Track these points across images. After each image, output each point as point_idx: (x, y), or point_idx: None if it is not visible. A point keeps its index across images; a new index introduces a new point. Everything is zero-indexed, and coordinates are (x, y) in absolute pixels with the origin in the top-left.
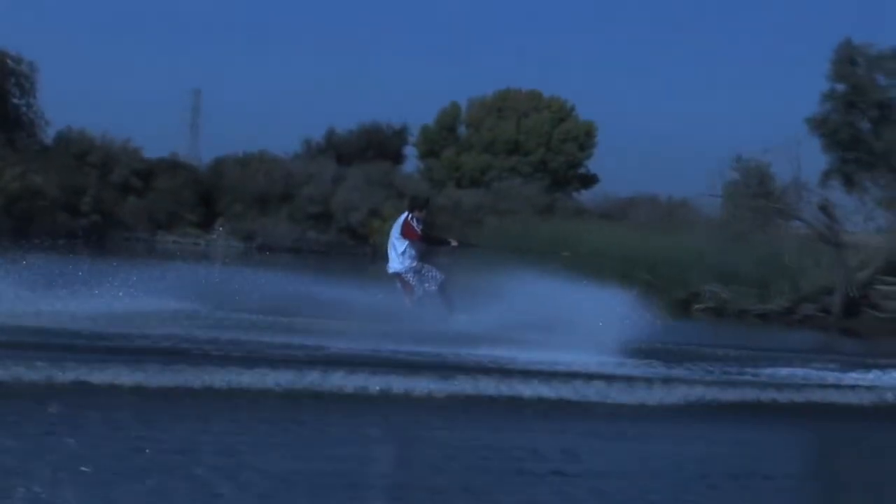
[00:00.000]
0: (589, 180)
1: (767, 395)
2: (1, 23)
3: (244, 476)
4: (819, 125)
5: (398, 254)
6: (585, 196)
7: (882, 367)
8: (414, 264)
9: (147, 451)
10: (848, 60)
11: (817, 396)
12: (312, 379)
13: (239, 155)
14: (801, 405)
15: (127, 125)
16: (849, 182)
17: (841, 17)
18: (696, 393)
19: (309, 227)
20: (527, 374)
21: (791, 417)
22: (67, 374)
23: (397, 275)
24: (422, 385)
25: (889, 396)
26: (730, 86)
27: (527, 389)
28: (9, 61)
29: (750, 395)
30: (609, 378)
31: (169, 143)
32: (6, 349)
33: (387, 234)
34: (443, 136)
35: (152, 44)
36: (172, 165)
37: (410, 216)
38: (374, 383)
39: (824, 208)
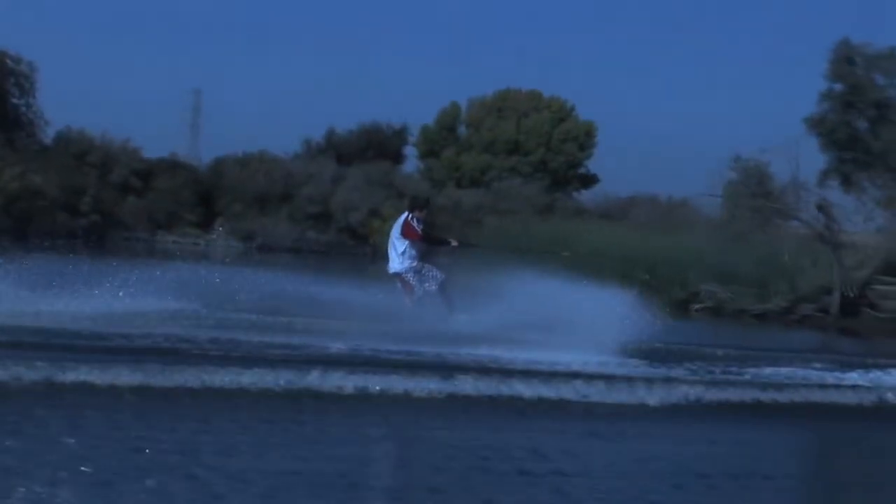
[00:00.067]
0: (589, 180)
1: (767, 396)
2: (1, 23)
3: (244, 476)
4: (817, 125)
5: (398, 254)
6: (585, 196)
7: (882, 367)
8: (414, 264)
9: (147, 451)
10: (846, 60)
11: (817, 396)
12: (312, 379)
13: (239, 155)
14: (801, 405)
15: (127, 125)
16: (847, 182)
17: (841, 17)
18: (696, 393)
19: (309, 227)
20: (527, 374)
21: (791, 417)
22: (67, 374)
23: (397, 275)
24: (422, 385)
25: (889, 396)
26: (730, 86)
27: (527, 389)
28: (8, 61)
29: (750, 395)
30: (609, 378)
31: (169, 143)
32: (6, 349)
33: (387, 234)
34: (443, 136)
35: (152, 44)
36: (172, 165)
37: (411, 216)
38: (374, 383)
39: (822, 208)
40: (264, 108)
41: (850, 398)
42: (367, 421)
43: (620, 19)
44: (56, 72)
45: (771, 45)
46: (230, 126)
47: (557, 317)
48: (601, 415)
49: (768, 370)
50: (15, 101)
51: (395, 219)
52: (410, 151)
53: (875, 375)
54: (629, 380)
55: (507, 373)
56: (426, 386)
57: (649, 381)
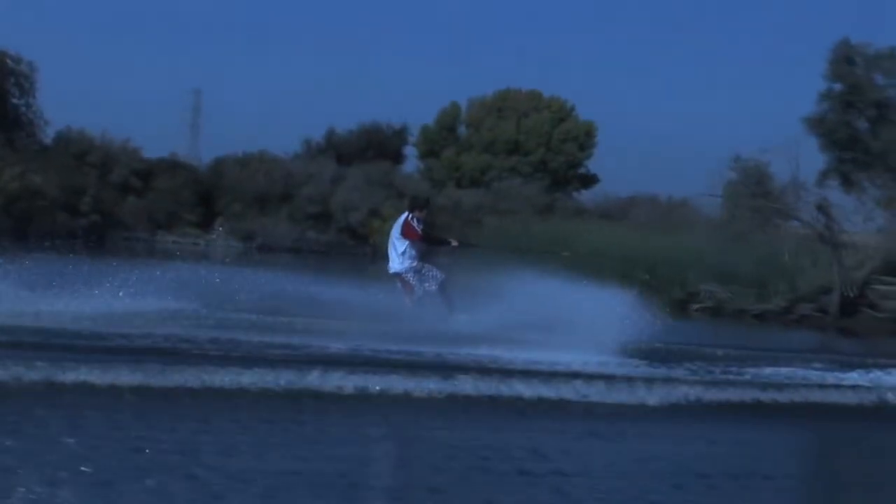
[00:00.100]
0: (589, 180)
1: (767, 396)
2: (1, 23)
3: (244, 476)
4: (816, 125)
5: (398, 254)
6: (585, 196)
7: (882, 367)
8: (414, 264)
9: (147, 451)
10: (845, 60)
11: (817, 396)
12: (312, 379)
13: (239, 155)
14: (801, 405)
15: (127, 125)
16: (846, 182)
17: (841, 16)
18: (696, 393)
19: (309, 227)
20: (527, 373)
21: (791, 417)
22: (67, 374)
23: (398, 275)
24: (422, 385)
25: (889, 396)
26: (730, 86)
27: (527, 389)
28: (8, 61)
29: (750, 395)
30: (609, 378)
31: (169, 143)
32: (6, 349)
33: (387, 234)
34: (443, 136)
35: (152, 44)
36: (172, 165)
37: (411, 216)
38: (375, 383)
39: (821, 208)
40: (264, 108)
41: (850, 398)
42: (367, 421)
43: (620, 19)
44: (56, 72)
45: (771, 45)
46: (230, 126)
47: (557, 317)
48: (601, 415)
49: (768, 370)
50: (15, 101)
51: (395, 219)
52: (410, 151)
53: (875, 375)
54: (629, 380)
55: (506, 373)
56: (426, 386)
57: (649, 381)
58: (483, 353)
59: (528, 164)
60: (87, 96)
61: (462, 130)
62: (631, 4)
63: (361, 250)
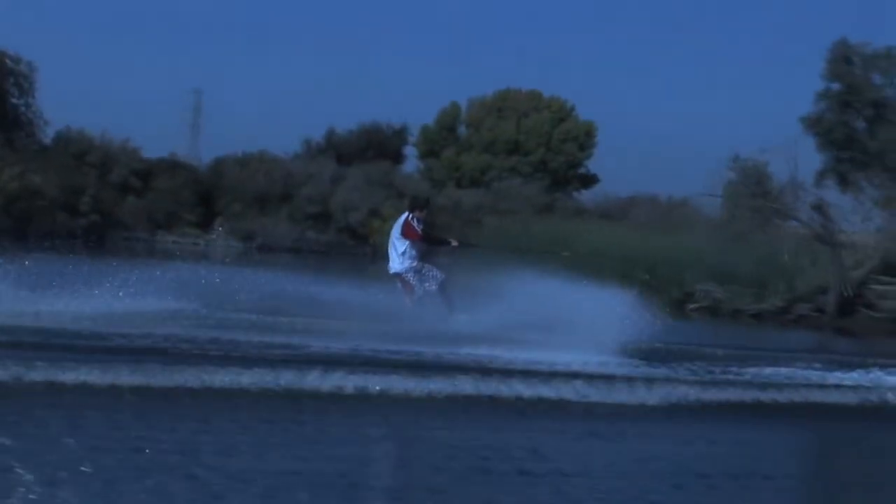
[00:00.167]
0: (589, 180)
1: (768, 396)
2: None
3: (244, 476)
4: (814, 124)
5: (399, 254)
6: (586, 196)
7: (882, 367)
8: (414, 264)
9: (147, 450)
10: (843, 59)
11: (817, 397)
12: (312, 379)
13: (238, 155)
14: (800, 405)
15: (127, 125)
16: (844, 181)
17: (841, 16)
18: (696, 393)
19: (308, 227)
20: (527, 374)
21: (791, 418)
22: (67, 374)
23: (398, 275)
24: (422, 385)
25: (889, 396)
26: (730, 86)
27: (527, 389)
28: (7, 61)
29: (750, 395)
30: (609, 378)
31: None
32: (6, 349)
33: (387, 234)
34: (443, 136)
35: (152, 44)
36: (172, 165)
37: (411, 216)
38: (375, 383)
39: (819, 208)
40: (264, 108)
41: (850, 398)
42: (368, 421)
43: (620, 19)
44: (56, 72)
45: (771, 45)
46: (230, 126)
47: (557, 317)
48: (601, 415)
49: (768, 370)
50: (14, 100)
51: (394, 219)
52: (410, 151)
53: (875, 376)
54: (629, 380)
55: (507, 373)
56: (426, 386)
57: (649, 381)
58: (483, 353)
59: (528, 164)
60: (87, 96)
61: (462, 130)
62: (631, 4)
63: (361, 250)
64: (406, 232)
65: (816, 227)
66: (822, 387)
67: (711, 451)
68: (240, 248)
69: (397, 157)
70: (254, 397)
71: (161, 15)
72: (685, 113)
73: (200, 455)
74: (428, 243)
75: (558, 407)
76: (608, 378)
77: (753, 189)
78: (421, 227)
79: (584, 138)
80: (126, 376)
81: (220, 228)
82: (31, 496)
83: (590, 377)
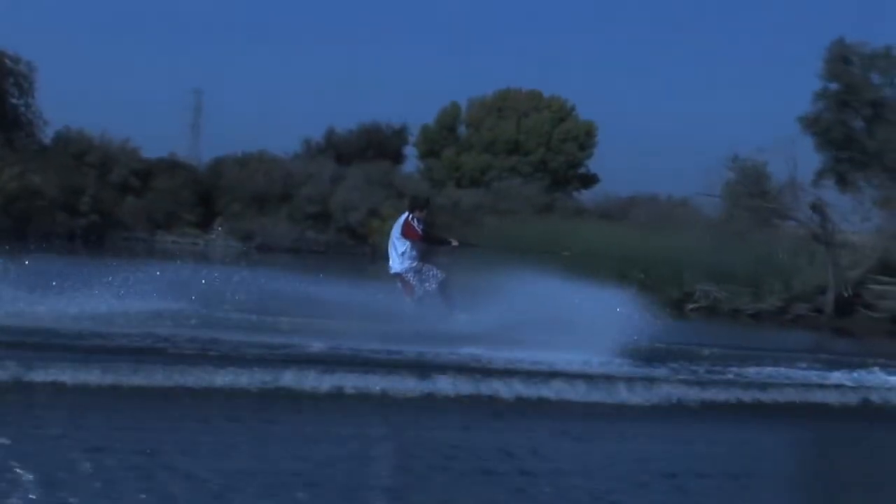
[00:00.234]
0: (589, 180)
1: (768, 396)
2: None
3: (243, 476)
4: (812, 124)
5: (399, 254)
6: (586, 196)
7: (882, 367)
8: (414, 264)
9: (147, 451)
10: (841, 59)
11: (817, 397)
12: (312, 379)
13: (238, 155)
14: (800, 405)
15: (127, 125)
16: (842, 181)
17: (841, 16)
18: (696, 393)
19: (308, 227)
20: (527, 374)
21: (791, 418)
22: (67, 374)
23: (398, 275)
24: (422, 385)
25: (890, 396)
26: (730, 86)
27: (527, 389)
28: (7, 61)
29: (750, 395)
30: (610, 378)
31: (169, 143)
32: (6, 349)
33: (386, 234)
34: (443, 136)
35: (152, 44)
36: (171, 165)
37: (411, 216)
38: (375, 383)
39: (817, 207)
40: (264, 108)
41: (850, 398)
42: (368, 421)
43: (620, 19)
44: (56, 72)
45: (772, 44)
46: (230, 126)
47: (558, 317)
48: (601, 415)
49: (768, 370)
50: (14, 100)
51: (394, 219)
52: (410, 151)
53: (875, 375)
54: (629, 380)
55: (507, 373)
56: (427, 386)
57: (649, 380)
58: (483, 353)
59: (528, 163)
60: (86, 96)
61: (462, 130)
62: (631, 4)
63: (361, 250)
64: (406, 232)
65: (815, 226)
66: (821, 387)
67: (711, 451)
68: (239, 248)
69: (397, 157)
70: (254, 397)
71: (161, 15)
72: (685, 113)
73: (200, 455)
74: (428, 243)
75: (559, 407)
76: (609, 378)
77: (752, 189)
78: (421, 227)
79: (584, 138)
80: (126, 376)
81: (220, 228)
82: (31, 496)
83: (590, 377)
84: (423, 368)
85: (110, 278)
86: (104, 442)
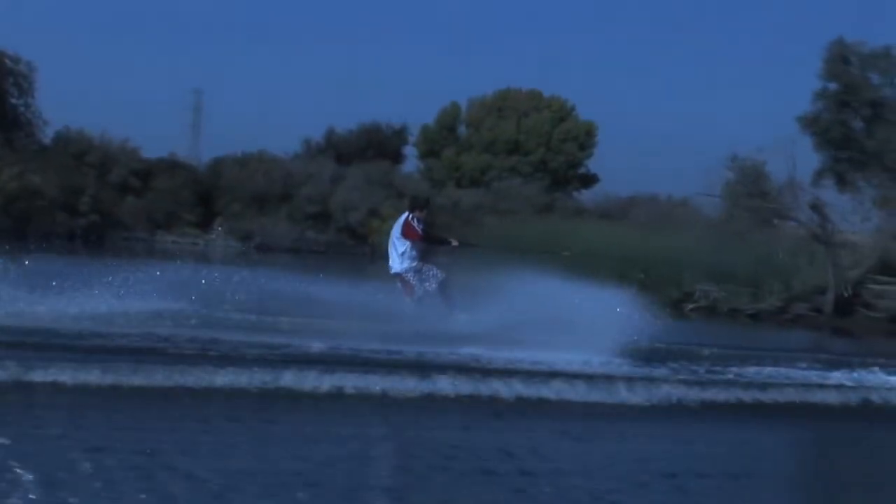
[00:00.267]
0: (589, 180)
1: (768, 396)
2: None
3: (244, 476)
4: (811, 124)
5: (399, 254)
6: (586, 196)
7: (883, 367)
8: (414, 264)
9: (147, 451)
10: (840, 59)
11: (817, 396)
12: (312, 379)
13: (238, 155)
14: (800, 405)
15: (127, 125)
16: (841, 181)
17: (842, 16)
18: (696, 393)
19: (308, 227)
20: (528, 374)
21: (791, 417)
22: (67, 374)
23: (398, 275)
24: (422, 385)
25: (890, 396)
26: (730, 85)
27: (527, 389)
28: (7, 61)
29: (750, 395)
30: (610, 378)
31: (169, 143)
32: (6, 349)
33: (386, 234)
34: (443, 135)
35: (152, 44)
36: (171, 165)
37: (411, 216)
38: (374, 383)
39: (816, 207)
40: (264, 108)
41: (852, 398)
42: (368, 421)
43: (620, 19)
44: (56, 72)
45: (772, 44)
46: (230, 126)
47: (558, 317)
48: (602, 415)
49: (768, 370)
50: (13, 100)
51: (394, 219)
52: (410, 151)
53: (875, 375)
54: (629, 380)
55: (507, 373)
56: (427, 386)
57: (650, 381)
58: (483, 353)
59: (528, 163)
60: (86, 96)
61: (462, 130)
62: (631, 4)
63: (360, 250)
64: (406, 232)
65: (814, 226)
66: (822, 387)
67: (711, 451)
68: (239, 248)
69: (397, 157)
70: (254, 397)
71: (161, 15)
72: (685, 113)
73: (200, 455)
74: (428, 243)
75: (559, 407)
76: (609, 378)
77: (751, 189)
78: (421, 227)
79: (585, 138)
80: (126, 376)
81: (220, 228)
82: (31, 496)
83: (590, 377)
84: (422, 368)
85: (110, 278)
86: (104, 442)
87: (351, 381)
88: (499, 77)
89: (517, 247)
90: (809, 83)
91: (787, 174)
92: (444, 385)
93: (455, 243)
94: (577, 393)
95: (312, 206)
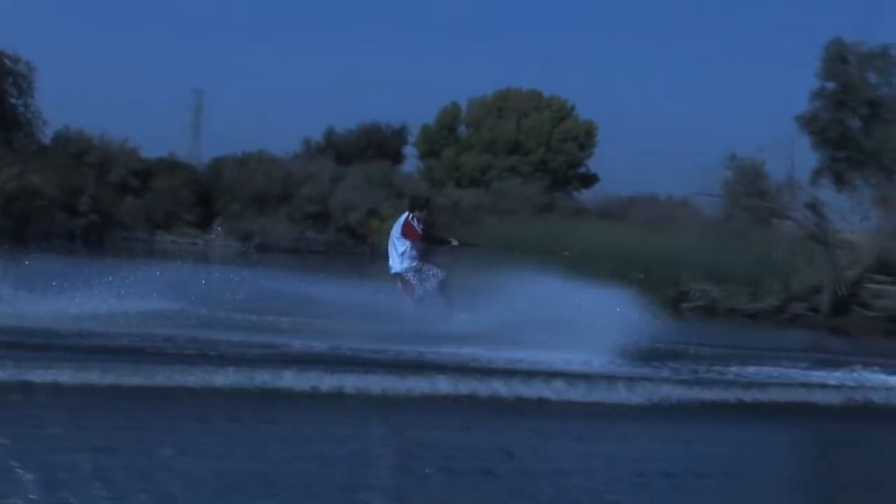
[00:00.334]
0: (589, 180)
1: (767, 396)
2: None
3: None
4: (808, 123)
5: (399, 254)
6: (586, 196)
7: (883, 367)
8: (414, 264)
9: (147, 451)
10: (838, 58)
11: (817, 397)
12: (312, 379)
13: (237, 155)
14: (801, 405)
15: (127, 125)
16: (839, 180)
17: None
18: (697, 393)
19: (307, 227)
20: (528, 374)
21: (791, 417)
22: (67, 374)
23: (398, 275)
24: (422, 385)
25: (890, 396)
26: (730, 85)
27: (527, 390)
28: (6, 61)
29: (750, 395)
30: (610, 378)
31: (169, 143)
32: (6, 349)
33: (386, 234)
34: (443, 135)
35: (152, 44)
36: (171, 165)
37: (411, 216)
38: (375, 383)
39: (813, 206)
40: (264, 108)
41: (854, 398)
42: (368, 421)
43: (620, 19)
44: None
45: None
46: (230, 126)
47: (558, 317)
48: (602, 415)
49: (768, 369)
50: (13, 100)
51: (394, 219)
52: (410, 151)
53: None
54: (629, 380)
55: (508, 373)
56: (427, 386)
57: (650, 381)
58: (483, 353)
59: (528, 163)
60: (86, 96)
61: (462, 130)
62: (631, 4)
63: (360, 250)
64: (406, 232)
65: (811, 226)
66: (822, 387)
67: (711, 451)
68: (238, 248)
69: (397, 157)
70: (254, 397)
71: (161, 15)
72: (685, 113)
73: (200, 455)
74: (428, 243)
75: (559, 407)
76: (609, 378)
77: (750, 188)
78: (421, 226)
79: (585, 138)
80: (126, 376)
81: (219, 228)
82: (31, 496)
83: (590, 377)
84: (422, 368)
85: (110, 278)
86: (104, 442)
87: (351, 381)
88: (499, 77)
89: (517, 247)
90: (809, 83)
91: (786, 174)
92: (444, 385)
93: (455, 243)
94: (578, 393)
95: (312, 206)
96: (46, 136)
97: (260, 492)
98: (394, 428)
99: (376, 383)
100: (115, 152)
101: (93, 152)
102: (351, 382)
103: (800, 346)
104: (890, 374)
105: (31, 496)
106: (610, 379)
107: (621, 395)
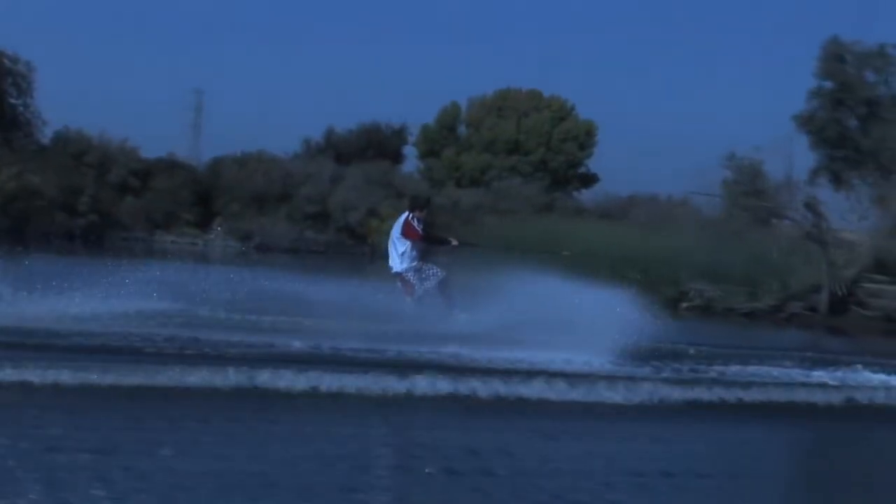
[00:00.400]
0: (589, 180)
1: (767, 396)
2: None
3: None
4: (806, 122)
5: (399, 254)
6: (586, 195)
7: (884, 367)
8: (415, 264)
9: (147, 451)
10: (836, 58)
11: (817, 397)
12: (312, 379)
13: (237, 155)
14: (801, 405)
15: (127, 125)
16: (837, 180)
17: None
18: (697, 393)
19: (307, 227)
20: (528, 374)
21: (791, 417)
22: (67, 374)
23: (398, 275)
24: (422, 385)
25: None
26: (730, 85)
27: (528, 390)
28: (6, 61)
29: (750, 395)
30: (610, 378)
31: (169, 143)
32: (6, 349)
33: (386, 234)
34: (443, 135)
35: (152, 44)
36: (170, 165)
37: (411, 216)
38: (374, 383)
39: (810, 206)
40: (264, 108)
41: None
42: (370, 421)
43: (620, 19)
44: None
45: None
46: (230, 126)
47: (558, 317)
48: (602, 415)
49: (767, 369)
50: (13, 100)
51: (394, 219)
52: (410, 151)
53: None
54: (629, 380)
55: (508, 373)
56: (427, 386)
57: (650, 380)
58: (482, 352)
59: (528, 163)
60: (86, 96)
61: (462, 130)
62: (631, 4)
63: (360, 250)
64: (406, 232)
65: (809, 225)
66: (822, 386)
67: (710, 451)
68: (238, 248)
69: (397, 157)
70: (255, 397)
71: (161, 15)
72: (685, 113)
73: (200, 455)
74: (428, 243)
75: (560, 407)
76: (609, 378)
77: (748, 188)
78: (421, 226)
79: (584, 138)
80: (127, 376)
81: (219, 228)
82: (31, 496)
83: (591, 378)
84: (422, 368)
85: (110, 278)
86: (104, 442)
87: (351, 381)
88: (499, 77)
89: (517, 247)
90: (806, 82)
91: (784, 173)
92: (444, 385)
93: (455, 243)
94: (578, 393)
95: (312, 206)
96: (46, 136)
97: (260, 492)
98: (394, 428)
99: (376, 383)
100: (115, 152)
101: (92, 152)
102: (351, 382)
103: (798, 345)
104: (890, 374)
105: (31, 496)
106: (610, 379)
107: (621, 395)
